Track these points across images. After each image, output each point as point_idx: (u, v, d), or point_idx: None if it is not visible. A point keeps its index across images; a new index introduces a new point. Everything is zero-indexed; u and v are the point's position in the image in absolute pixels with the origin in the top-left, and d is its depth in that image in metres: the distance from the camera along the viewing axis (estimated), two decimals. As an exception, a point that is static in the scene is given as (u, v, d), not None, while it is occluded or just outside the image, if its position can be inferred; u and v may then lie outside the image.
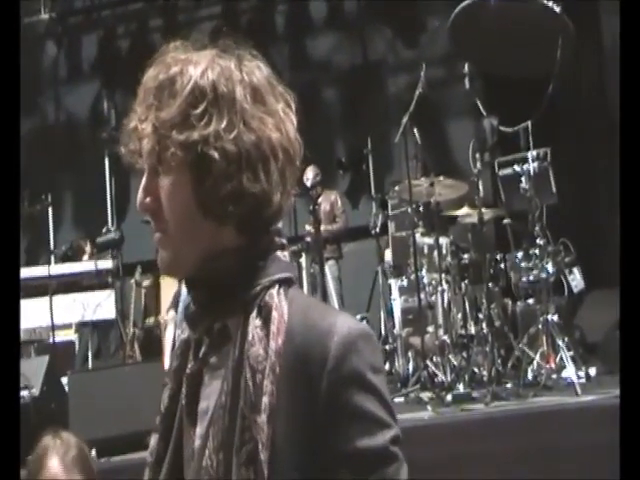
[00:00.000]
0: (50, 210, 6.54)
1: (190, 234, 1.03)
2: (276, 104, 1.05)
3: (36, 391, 3.82)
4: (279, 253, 1.07)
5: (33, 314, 5.39)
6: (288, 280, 1.05)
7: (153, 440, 1.10)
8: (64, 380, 4.23)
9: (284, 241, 1.08)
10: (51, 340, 5.43)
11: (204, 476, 0.98)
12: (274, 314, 1.00)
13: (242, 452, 0.96)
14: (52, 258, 5.93)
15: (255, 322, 1.01)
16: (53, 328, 5.29)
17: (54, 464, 2.07)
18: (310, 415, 0.96)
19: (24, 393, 3.77)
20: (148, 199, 1.04)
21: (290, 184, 1.06)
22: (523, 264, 4.72)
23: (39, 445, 2.14)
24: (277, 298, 1.02)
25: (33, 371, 3.94)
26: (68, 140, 8.47)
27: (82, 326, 5.72)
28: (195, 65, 1.03)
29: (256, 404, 0.96)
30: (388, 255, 5.98)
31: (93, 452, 3.70)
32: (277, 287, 1.03)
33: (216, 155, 0.99)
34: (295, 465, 0.96)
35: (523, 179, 4.68)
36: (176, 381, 1.08)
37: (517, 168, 4.75)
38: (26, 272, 5.75)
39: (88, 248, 6.90)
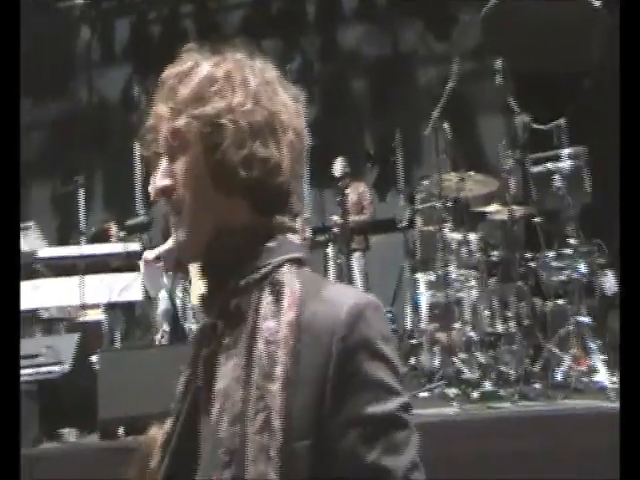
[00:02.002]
0: (82, 191, 6.60)
1: (203, 209, 1.05)
2: (286, 97, 1.09)
3: (66, 367, 3.87)
4: (290, 235, 1.09)
5: (63, 293, 5.45)
6: (299, 260, 1.08)
7: (167, 423, 1.13)
8: (93, 359, 4.28)
9: (295, 225, 1.11)
10: (80, 319, 5.50)
11: (220, 448, 0.98)
12: (286, 290, 1.03)
13: (256, 420, 0.97)
14: (82, 239, 5.98)
15: (267, 299, 1.03)
16: (83, 307, 5.35)
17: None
18: (322, 383, 0.97)
19: (55, 368, 3.84)
20: (166, 181, 1.07)
21: (299, 166, 1.09)
22: (554, 263, 4.61)
23: (147, 436, 2.16)
24: (288, 275, 1.04)
25: (64, 347, 3.99)
26: (100, 123, 8.53)
27: (110, 307, 5.76)
28: (208, 60, 1.09)
29: (270, 374, 0.98)
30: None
31: (121, 430, 3.76)
32: (288, 265, 1.05)
33: (229, 124, 1.03)
34: (307, 432, 0.96)
35: (556, 177, 4.57)
36: (192, 366, 1.10)
37: (550, 166, 4.63)
38: (57, 251, 5.82)
39: (114, 231, 6.92)
